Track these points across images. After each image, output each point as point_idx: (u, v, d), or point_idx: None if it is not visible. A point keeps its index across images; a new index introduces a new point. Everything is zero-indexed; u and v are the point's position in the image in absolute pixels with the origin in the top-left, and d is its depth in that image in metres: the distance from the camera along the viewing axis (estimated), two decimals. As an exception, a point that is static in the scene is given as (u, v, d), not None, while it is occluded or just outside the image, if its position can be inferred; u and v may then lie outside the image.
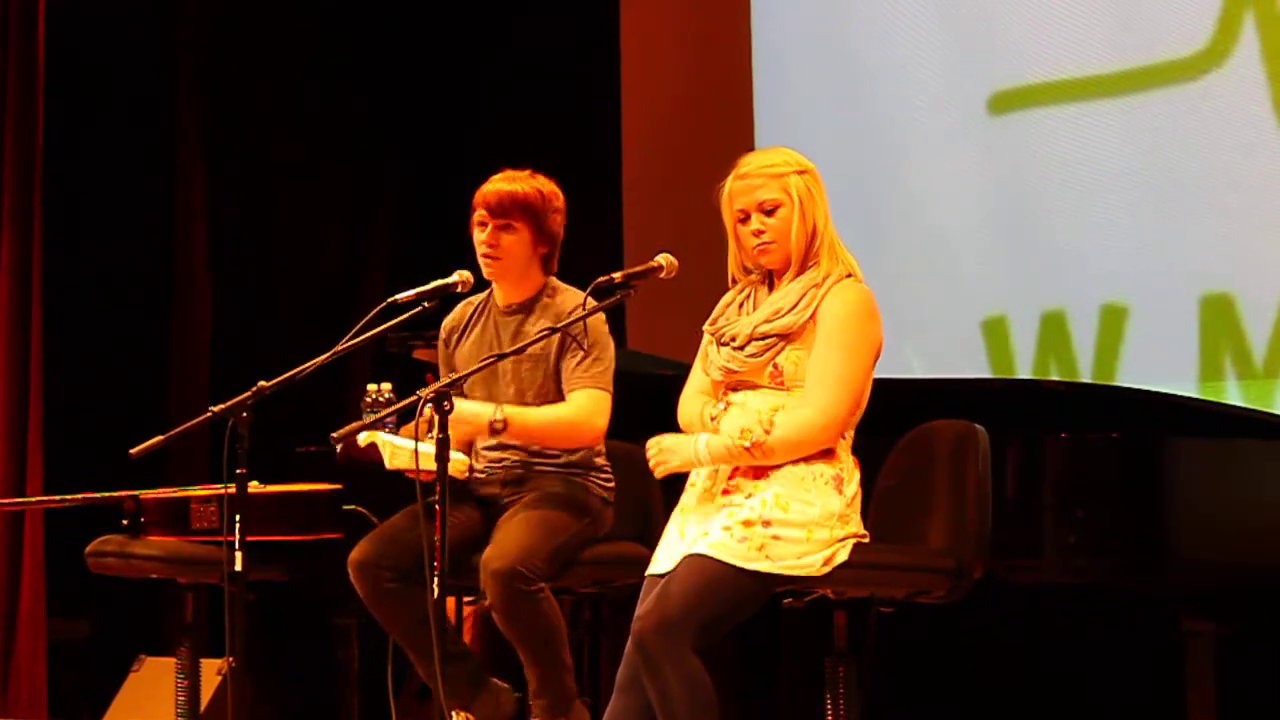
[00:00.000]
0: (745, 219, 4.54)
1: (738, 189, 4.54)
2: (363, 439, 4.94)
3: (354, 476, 5.65)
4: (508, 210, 5.12)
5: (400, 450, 4.89)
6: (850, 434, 4.52)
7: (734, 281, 4.66)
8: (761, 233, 4.52)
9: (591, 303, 4.81)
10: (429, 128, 8.62)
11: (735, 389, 4.54)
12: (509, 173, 5.20)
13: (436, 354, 5.47)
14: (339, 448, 5.01)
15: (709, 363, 4.59)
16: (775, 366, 4.48)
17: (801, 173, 4.54)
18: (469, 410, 4.96)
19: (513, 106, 8.36)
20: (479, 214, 5.16)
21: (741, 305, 4.60)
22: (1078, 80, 6.58)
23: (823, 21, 7.41)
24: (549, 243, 5.18)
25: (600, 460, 5.17)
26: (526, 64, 8.37)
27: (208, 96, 8.15)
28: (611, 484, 5.18)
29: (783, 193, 4.51)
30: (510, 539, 4.92)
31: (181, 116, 8.12)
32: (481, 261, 5.12)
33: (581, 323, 4.96)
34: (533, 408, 5.06)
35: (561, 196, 5.21)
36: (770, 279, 4.60)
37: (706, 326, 4.64)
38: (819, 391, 4.43)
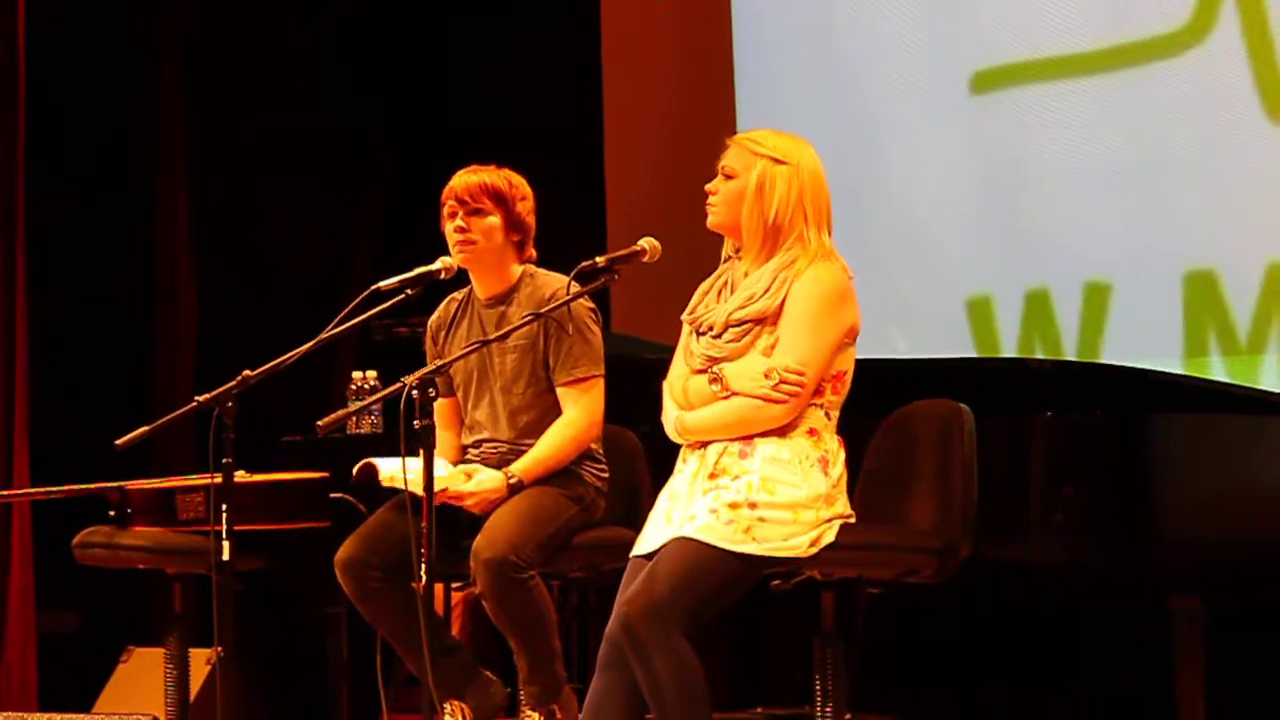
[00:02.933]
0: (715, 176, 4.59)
1: (724, 150, 4.59)
2: (384, 477, 4.94)
3: (340, 464, 5.65)
4: (475, 196, 5.17)
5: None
6: (835, 415, 4.52)
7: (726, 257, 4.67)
8: (712, 192, 4.57)
9: (575, 287, 4.82)
10: (414, 117, 8.61)
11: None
12: (474, 166, 5.26)
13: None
14: (355, 472, 5.03)
15: (688, 352, 4.59)
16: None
17: (778, 162, 4.53)
18: (489, 485, 5.00)
19: (497, 94, 8.35)
20: (449, 206, 5.21)
21: (720, 292, 4.60)
22: (1059, 58, 6.58)
23: (804, 2, 7.41)
24: (520, 230, 5.21)
25: (595, 448, 5.18)
26: (510, 53, 8.36)
27: (191, 86, 8.13)
28: (605, 474, 5.19)
29: (744, 169, 4.53)
30: (501, 527, 4.92)
31: (164, 106, 8.11)
32: (455, 250, 5.15)
33: (565, 308, 4.97)
34: (535, 448, 5.08)
35: (529, 189, 5.26)
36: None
37: (685, 316, 4.64)
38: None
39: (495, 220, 5.17)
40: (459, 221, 5.17)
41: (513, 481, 5.02)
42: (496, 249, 5.20)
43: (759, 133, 4.62)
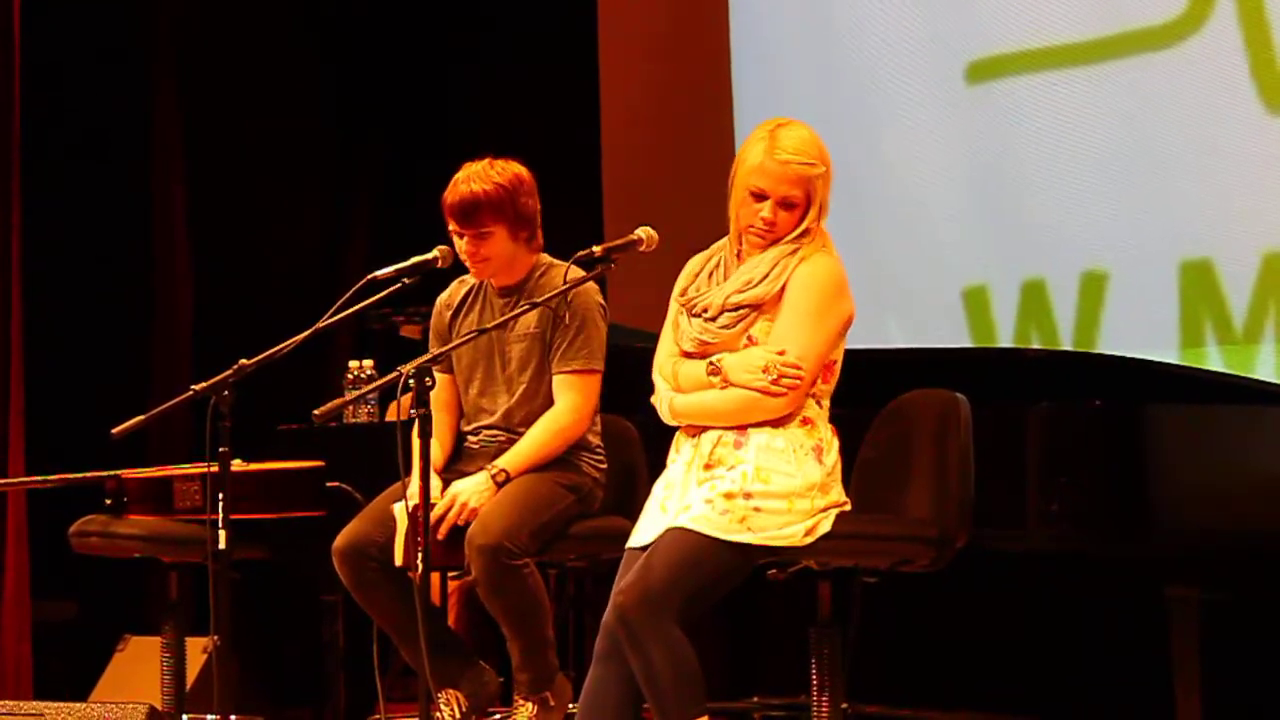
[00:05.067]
0: (760, 198, 4.51)
1: (770, 169, 4.48)
2: (399, 559, 4.93)
3: (336, 453, 5.65)
4: (474, 218, 5.10)
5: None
6: (826, 403, 4.52)
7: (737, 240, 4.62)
8: (771, 223, 4.50)
9: (573, 275, 4.82)
10: (407, 102, 8.61)
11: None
12: (468, 169, 5.16)
13: (421, 331, 5.47)
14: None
15: (680, 333, 4.58)
16: (749, 338, 4.48)
17: (825, 171, 4.52)
18: (470, 486, 5.00)
19: (494, 86, 8.34)
20: (451, 225, 5.14)
21: (711, 274, 4.59)
22: (1055, 48, 6.58)
23: (800, -7, 7.42)
24: (527, 225, 5.18)
25: (594, 440, 5.18)
26: (504, 37, 8.35)
27: (186, 73, 8.13)
28: (604, 465, 5.19)
29: (806, 195, 4.50)
30: (496, 515, 4.93)
31: (159, 94, 8.11)
32: (471, 270, 5.14)
33: (561, 297, 4.97)
34: (521, 440, 5.08)
35: (526, 175, 5.18)
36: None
37: (676, 296, 4.63)
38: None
39: (502, 233, 5.13)
40: (468, 245, 5.13)
41: (497, 477, 5.02)
42: (509, 256, 5.17)
43: (800, 139, 4.51)
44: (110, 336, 7.88)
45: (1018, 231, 6.70)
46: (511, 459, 5.05)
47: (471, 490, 4.99)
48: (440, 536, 4.89)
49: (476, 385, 5.23)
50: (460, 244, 5.13)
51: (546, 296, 4.95)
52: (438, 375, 5.11)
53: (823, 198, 4.51)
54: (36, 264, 7.56)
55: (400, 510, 4.84)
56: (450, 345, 5.00)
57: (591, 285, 5.02)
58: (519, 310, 4.92)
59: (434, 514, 4.81)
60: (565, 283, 4.87)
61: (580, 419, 5.10)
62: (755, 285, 4.49)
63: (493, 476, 5.01)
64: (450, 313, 5.30)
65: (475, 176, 5.13)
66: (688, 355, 4.56)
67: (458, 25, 8.54)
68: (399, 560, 4.88)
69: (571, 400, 5.10)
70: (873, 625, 4.78)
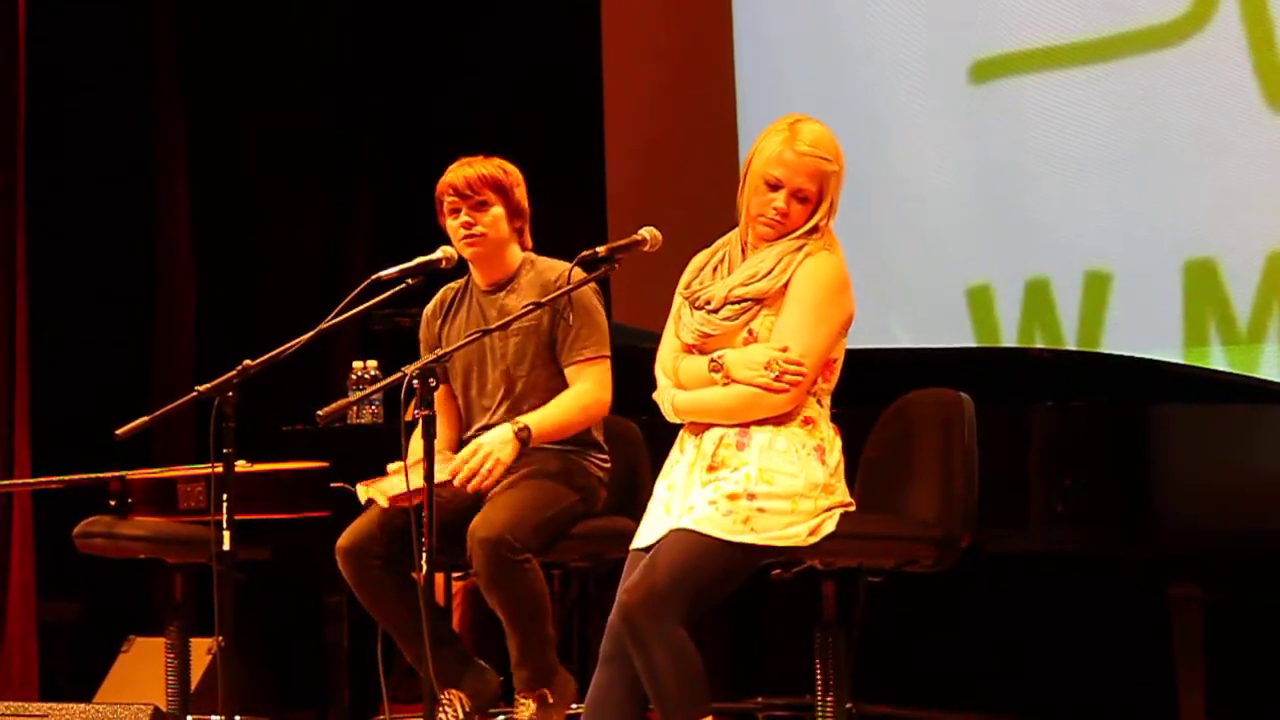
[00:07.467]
0: (775, 188, 4.51)
1: (788, 159, 4.48)
2: (362, 494, 4.99)
3: (340, 454, 5.65)
4: (477, 190, 5.17)
5: (392, 484, 4.94)
6: (827, 401, 4.52)
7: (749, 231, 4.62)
8: (785, 214, 4.50)
9: (577, 275, 4.83)
10: (408, 102, 8.61)
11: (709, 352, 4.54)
12: (464, 159, 5.24)
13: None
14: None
15: (681, 325, 4.59)
16: (750, 331, 4.48)
17: (839, 171, 4.53)
18: (495, 438, 5.01)
19: (498, 83, 8.34)
20: (449, 201, 5.19)
21: (715, 269, 4.59)
22: (1059, 47, 6.58)
23: (804, -7, 7.42)
24: (521, 217, 5.24)
25: (598, 439, 5.19)
26: (506, 36, 8.35)
27: (187, 75, 8.13)
28: (608, 464, 5.20)
29: (819, 190, 4.50)
30: (499, 509, 4.94)
31: (162, 97, 8.11)
32: (461, 246, 5.15)
33: (567, 295, 4.98)
34: (548, 406, 5.10)
35: (520, 174, 5.26)
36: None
37: (680, 289, 4.63)
38: None
39: (499, 211, 5.19)
40: (464, 217, 5.16)
41: (521, 433, 5.02)
42: (502, 239, 5.21)
43: (818, 133, 4.53)
44: (114, 337, 7.88)
45: (1021, 230, 6.71)
46: (536, 419, 5.05)
47: (496, 442, 4.99)
48: (466, 487, 4.91)
49: (475, 385, 5.24)
50: (455, 223, 5.18)
51: (550, 297, 4.95)
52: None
53: (834, 197, 4.52)
54: (40, 265, 7.57)
55: (376, 491, 4.91)
56: (456, 346, 4.98)
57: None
58: (524, 311, 4.91)
59: (458, 467, 4.92)
60: (568, 281, 4.88)
61: (602, 399, 5.13)
62: (759, 279, 4.49)
63: (516, 432, 5.01)
64: (439, 321, 5.33)
65: (474, 161, 5.23)
66: (689, 349, 4.57)
67: (457, 25, 8.54)
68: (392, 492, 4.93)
69: (592, 379, 5.12)
70: (877, 625, 4.78)
